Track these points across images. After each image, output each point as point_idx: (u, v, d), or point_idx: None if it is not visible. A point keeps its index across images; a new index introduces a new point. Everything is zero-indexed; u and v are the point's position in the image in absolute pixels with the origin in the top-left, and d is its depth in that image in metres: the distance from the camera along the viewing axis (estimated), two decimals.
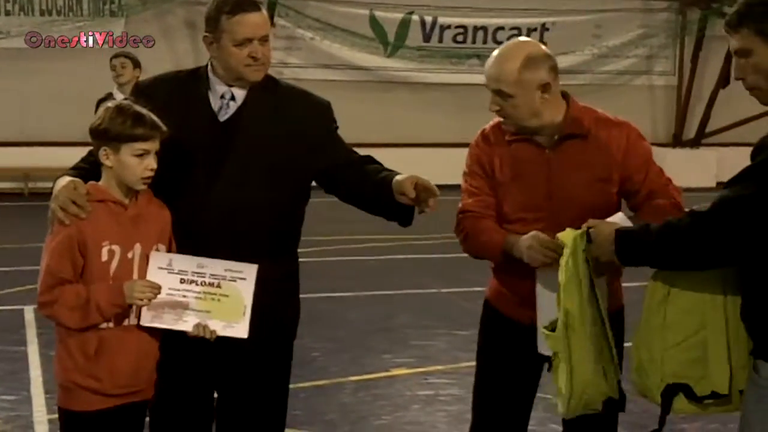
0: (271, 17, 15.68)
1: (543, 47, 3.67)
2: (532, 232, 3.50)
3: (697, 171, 18.32)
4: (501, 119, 3.70)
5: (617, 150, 3.66)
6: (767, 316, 2.97)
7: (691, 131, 19.69)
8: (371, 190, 3.60)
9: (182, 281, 3.42)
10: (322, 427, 5.87)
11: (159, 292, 3.35)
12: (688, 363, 3.14)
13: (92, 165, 3.50)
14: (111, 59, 9.22)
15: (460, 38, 18.64)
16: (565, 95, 3.72)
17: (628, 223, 3.33)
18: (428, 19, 18.45)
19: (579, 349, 3.30)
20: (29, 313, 8.16)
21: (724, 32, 3.08)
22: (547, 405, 4.71)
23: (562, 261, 3.28)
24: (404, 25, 18.39)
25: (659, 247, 3.04)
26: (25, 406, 6.12)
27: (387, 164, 3.71)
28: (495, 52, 3.65)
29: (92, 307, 3.30)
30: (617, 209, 3.66)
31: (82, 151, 3.67)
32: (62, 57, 16.16)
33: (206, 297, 3.43)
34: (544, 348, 3.50)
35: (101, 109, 3.45)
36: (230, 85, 3.60)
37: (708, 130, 19.47)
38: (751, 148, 3.00)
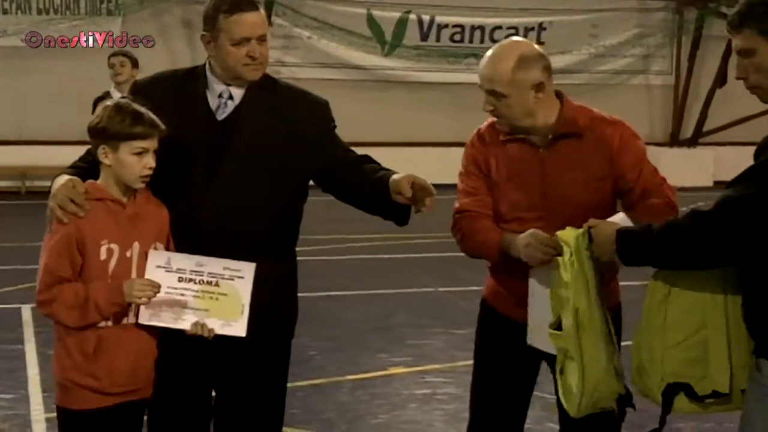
0: (269, 16, 15.67)
1: (536, 47, 3.67)
2: (530, 230, 3.50)
3: (695, 170, 18.37)
4: (495, 119, 3.71)
5: (611, 148, 3.66)
6: None
7: (688, 130, 19.72)
8: (368, 189, 3.60)
9: (180, 280, 3.43)
10: (320, 425, 5.88)
11: (159, 291, 3.34)
12: (689, 362, 3.14)
13: (90, 164, 3.50)
14: (109, 57, 9.21)
15: (457, 37, 18.66)
16: (559, 95, 3.72)
17: (629, 223, 3.32)
18: (425, 18, 18.47)
19: (591, 348, 3.30)
20: (26, 311, 8.17)
21: (725, 32, 3.09)
22: (544, 404, 4.73)
23: (565, 259, 3.28)
24: (401, 24, 18.40)
25: (661, 247, 3.03)
26: (22, 404, 6.12)
27: (384, 163, 3.71)
28: (488, 53, 3.65)
29: (91, 305, 3.30)
30: (613, 208, 3.66)
31: (79, 150, 3.66)
32: (59, 56, 16.16)
33: (204, 295, 3.44)
34: (535, 341, 3.53)
35: (100, 108, 3.45)
36: (228, 84, 3.61)
37: (705, 129, 19.50)
38: (748, 147, 3.00)
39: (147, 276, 3.38)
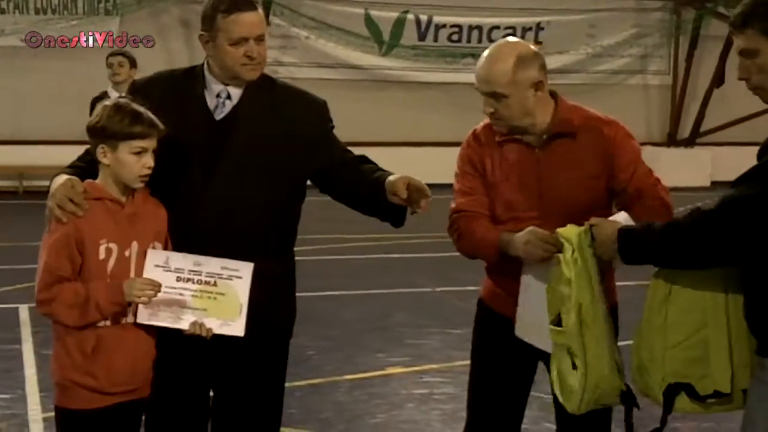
0: (267, 16, 15.63)
1: (530, 46, 3.68)
2: (529, 228, 3.50)
3: (692, 170, 18.40)
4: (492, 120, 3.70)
5: (605, 148, 3.66)
6: None
7: (685, 130, 19.73)
8: (364, 190, 3.60)
9: (179, 279, 3.43)
10: (317, 425, 5.88)
11: (159, 290, 3.34)
12: (690, 362, 3.14)
13: (89, 163, 3.50)
14: (108, 57, 9.22)
15: (455, 37, 18.66)
16: (553, 94, 3.72)
17: (631, 222, 3.33)
18: (423, 18, 18.48)
19: (594, 345, 3.30)
20: (24, 311, 8.17)
21: (722, 32, 3.09)
22: (541, 403, 4.73)
23: (567, 256, 3.29)
24: (399, 24, 18.41)
25: (662, 246, 3.03)
26: (20, 404, 6.12)
27: (381, 163, 3.71)
28: (484, 55, 3.65)
29: (91, 305, 3.30)
30: (608, 207, 3.67)
31: (78, 150, 3.66)
32: (58, 56, 16.16)
33: (202, 295, 3.44)
34: (529, 337, 3.54)
35: (99, 107, 3.45)
36: (226, 84, 3.61)
37: (702, 129, 19.51)
38: (745, 147, 3.01)
39: (145, 275, 3.38)
